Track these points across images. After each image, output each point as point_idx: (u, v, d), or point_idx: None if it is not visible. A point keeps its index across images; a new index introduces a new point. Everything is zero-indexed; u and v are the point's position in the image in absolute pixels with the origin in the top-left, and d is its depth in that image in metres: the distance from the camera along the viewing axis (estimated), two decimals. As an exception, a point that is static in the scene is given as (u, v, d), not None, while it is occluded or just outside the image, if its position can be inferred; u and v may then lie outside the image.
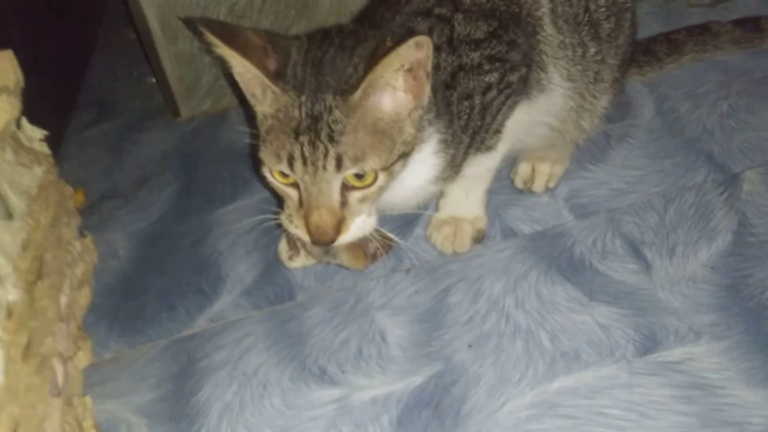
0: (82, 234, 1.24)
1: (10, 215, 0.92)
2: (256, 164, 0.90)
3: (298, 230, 0.90)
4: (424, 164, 0.96)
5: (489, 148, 1.05)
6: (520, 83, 1.01)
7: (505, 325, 1.04)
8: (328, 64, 0.85)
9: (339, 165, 0.84)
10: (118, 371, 1.09)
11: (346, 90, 0.83)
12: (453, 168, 1.01)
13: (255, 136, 0.90)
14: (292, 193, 0.89)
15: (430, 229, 1.19)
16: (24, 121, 1.07)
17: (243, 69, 0.86)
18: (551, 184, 1.23)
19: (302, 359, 1.05)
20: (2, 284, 0.83)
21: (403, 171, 0.92)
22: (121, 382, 1.08)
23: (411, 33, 0.83)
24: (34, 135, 1.08)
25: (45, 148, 1.09)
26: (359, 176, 0.86)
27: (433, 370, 1.00)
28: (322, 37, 0.89)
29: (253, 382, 1.04)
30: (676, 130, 1.30)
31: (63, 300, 1.01)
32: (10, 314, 0.82)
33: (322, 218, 0.87)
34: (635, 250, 1.10)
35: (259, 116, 0.89)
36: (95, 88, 1.75)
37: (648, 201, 1.18)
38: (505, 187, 1.25)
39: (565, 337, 1.01)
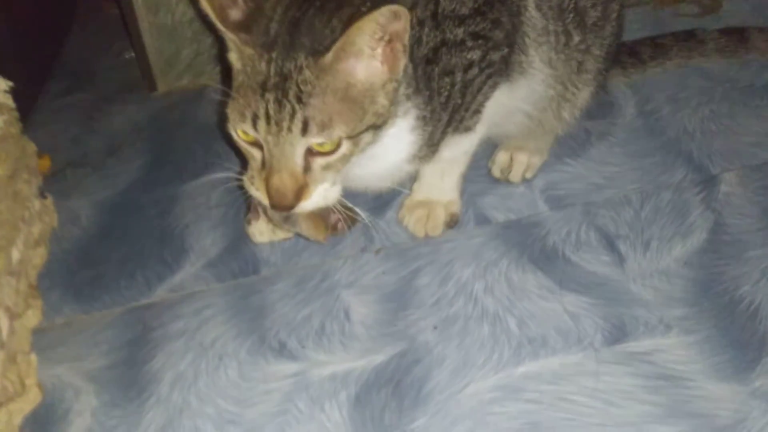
0: (43, 195, 1.20)
1: (-36, 159, 0.88)
2: (222, 121, 0.87)
3: (259, 192, 0.87)
4: (401, 141, 0.94)
5: (467, 129, 1.03)
6: (501, 63, 0.99)
7: (472, 309, 1.01)
8: (305, 25, 0.82)
9: (305, 129, 0.81)
10: (70, 336, 1.05)
11: (318, 51, 0.80)
12: (430, 147, 0.98)
13: (225, 93, 0.87)
14: (255, 154, 0.86)
15: (403, 212, 1.16)
16: (-14, 72, 1.04)
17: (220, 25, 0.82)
18: (528, 175, 1.21)
19: (262, 333, 1.02)
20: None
21: (373, 145, 0.89)
22: (71, 348, 1.03)
23: (390, 2, 0.81)
24: (-1, 86, 1.04)
25: (9, 101, 1.06)
26: (323, 143, 0.83)
27: (396, 349, 0.97)
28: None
29: (210, 353, 1.00)
30: (657, 131, 1.28)
31: (15, 255, 0.96)
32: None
33: (283, 182, 0.83)
34: (609, 243, 1.08)
35: (235, 69, 0.86)
36: (72, 60, 1.71)
37: (625, 196, 1.16)
38: (481, 176, 1.23)
39: (533, 324, 0.98)
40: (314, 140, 0.82)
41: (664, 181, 1.18)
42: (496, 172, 1.22)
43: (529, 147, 1.20)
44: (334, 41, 0.80)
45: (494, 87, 1.00)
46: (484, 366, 0.94)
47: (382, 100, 0.86)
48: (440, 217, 1.13)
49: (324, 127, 0.81)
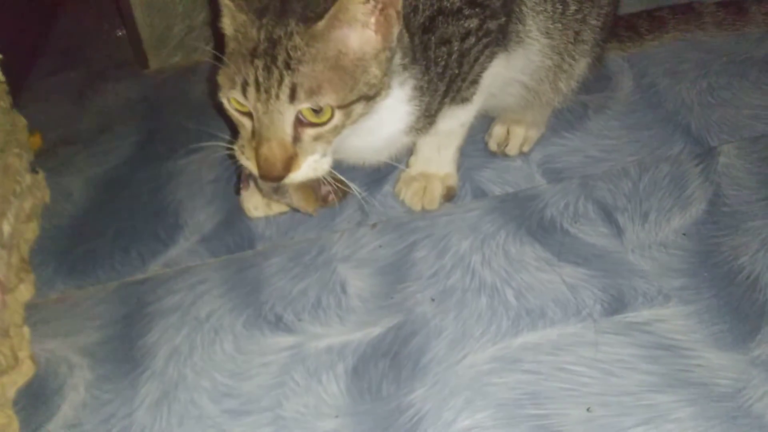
0: (34, 170, 1.18)
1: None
2: (214, 91, 0.86)
3: (249, 162, 0.86)
4: (398, 112, 0.93)
5: (464, 100, 1.01)
6: (498, 32, 0.98)
7: (470, 281, 1.00)
8: None
9: (293, 95, 0.79)
10: (63, 311, 1.04)
11: (310, 18, 0.79)
12: (427, 118, 0.97)
13: (217, 58, 0.86)
14: (246, 122, 0.85)
15: (399, 185, 1.15)
16: (-22, 43, 1.02)
17: None
18: (525, 148, 1.19)
19: (258, 306, 1.01)
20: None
21: (369, 116, 0.87)
22: (65, 322, 1.02)
23: None
24: (-12, 58, 1.02)
25: (-1, 74, 1.04)
26: (315, 112, 0.82)
27: (393, 321, 0.96)
28: None
29: (205, 327, 0.99)
30: (655, 104, 1.27)
31: (6, 228, 0.95)
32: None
33: (272, 151, 0.82)
34: (607, 215, 1.07)
35: (227, 37, 0.85)
36: (63, 38, 1.70)
37: (623, 169, 1.15)
38: (478, 150, 1.22)
39: (531, 295, 0.97)
40: (302, 106, 0.80)
41: (663, 154, 1.17)
42: (493, 145, 1.21)
43: (526, 120, 1.19)
44: (326, 9, 0.78)
45: (492, 57, 0.99)
46: (482, 337, 0.93)
47: (375, 71, 0.84)
48: (437, 190, 1.12)
49: (312, 93, 0.80)
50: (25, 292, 0.98)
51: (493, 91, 1.06)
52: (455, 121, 1.05)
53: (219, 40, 0.87)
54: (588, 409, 0.83)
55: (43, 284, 1.08)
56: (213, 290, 1.04)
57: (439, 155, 1.12)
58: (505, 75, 1.04)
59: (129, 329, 1.00)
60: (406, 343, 0.93)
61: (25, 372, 0.89)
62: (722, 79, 1.30)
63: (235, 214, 1.16)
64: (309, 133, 0.83)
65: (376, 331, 0.95)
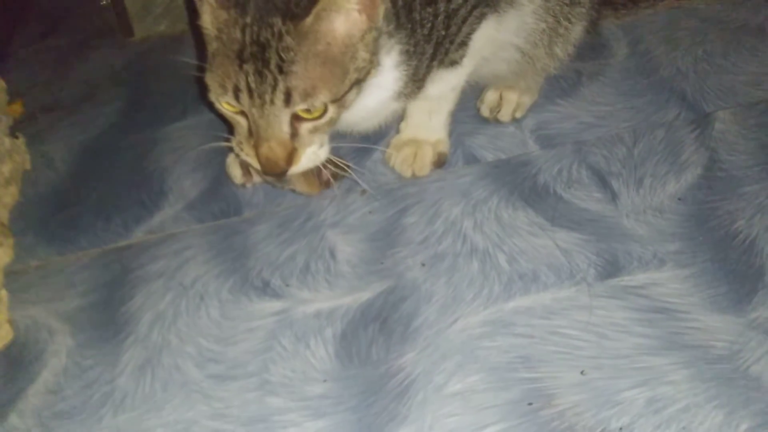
0: (14, 135, 1.15)
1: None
2: (203, 90, 0.83)
3: (249, 158, 0.85)
4: (386, 78, 0.90)
5: (453, 62, 0.99)
6: None
7: (461, 246, 0.98)
8: None
9: (288, 100, 0.78)
10: (45, 278, 1.01)
11: (297, 14, 0.76)
12: (416, 82, 0.95)
13: (201, 58, 0.83)
14: (241, 121, 0.83)
15: (390, 151, 1.12)
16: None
17: None
18: (518, 114, 1.17)
19: (245, 272, 0.98)
20: None
21: (358, 97, 0.85)
22: (46, 289, 1.00)
23: None
24: (-35, 17, 0.98)
25: (-24, 33, 1.00)
26: (308, 110, 0.80)
27: (382, 286, 0.94)
28: None
29: (190, 292, 0.97)
30: (650, 71, 1.25)
31: (-16, 190, 0.92)
32: None
33: (273, 150, 0.81)
34: (601, 180, 1.05)
35: (206, 33, 0.81)
36: (46, 6, 1.65)
37: (617, 135, 1.13)
38: (470, 117, 1.20)
39: (523, 260, 0.95)
40: (298, 108, 0.79)
41: (658, 120, 1.15)
42: (485, 111, 1.18)
43: (519, 86, 1.17)
44: (308, 3, 0.75)
45: (480, 18, 0.96)
46: (474, 302, 0.91)
47: (363, 53, 0.82)
48: (428, 156, 1.09)
49: (307, 95, 0.78)
50: (3, 256, 0.96)
51: (485, 55, 1.03)
52: (445, 85, 1.02)
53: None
54: (582, 372, 0.82)
55: (23, 251, 1.05)
56: (198, 256, 1.01)
57: (429, 120, 1.09)
58: (498, 38, 1.02)
59: (112, 295, 0.97)
60: (396, 308, 0.91)
61: (3, 336, 0.87)
62: (718, 46, 1.28)
63: (221, 181, 1.13)
64: (306, 127, 0.82)
65: (365, 296, 0.93)
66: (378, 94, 0.91)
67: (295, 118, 0.81)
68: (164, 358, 0.89)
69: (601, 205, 1.01)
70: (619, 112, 1.17)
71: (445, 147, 1.11)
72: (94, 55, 1.47)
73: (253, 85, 0.77)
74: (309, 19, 0.75)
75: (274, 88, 0.77)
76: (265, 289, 0.96)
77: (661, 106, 1.17)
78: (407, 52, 0.90)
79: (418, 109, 1.08)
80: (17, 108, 1.28)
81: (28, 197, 1.14)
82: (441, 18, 0.91)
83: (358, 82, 0.83)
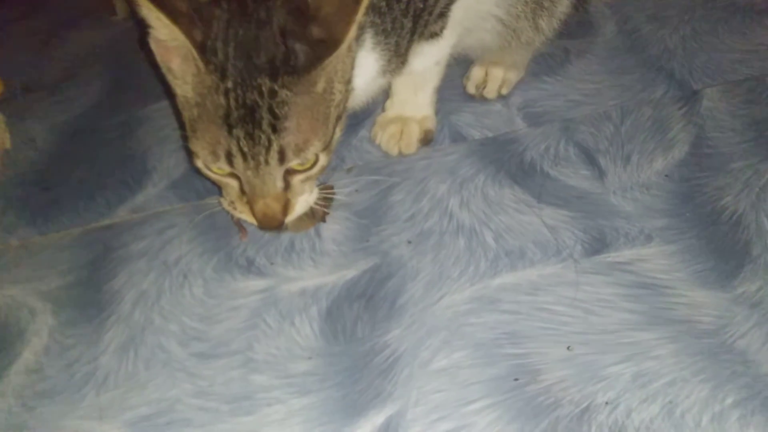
0: (-6, 114, 1.13)
1: None
2: (189, 156, 0.82)
3: (244, 215, 0.84)
4: (366, 61, 0.89)
5: (433, 34, 0.97)
6: None
7: (447, 224, 0.97)
8: (252, 44, 0.74)
9: (282, 158, 0.77)
10: (25, 258, 1.00)
11: (292, 70, 0.74)
12: (399, 57, 0.94)
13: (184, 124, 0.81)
14: (232, 183, 0.82)
15: (376, 129, 1.11)
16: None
17: (167, 36, 0.73)
18: (504, 91, 1.16)
19: (229, 251, 0.97)
20: None
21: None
22: (26, 269, 0.98)
23: None
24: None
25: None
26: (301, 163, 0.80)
27: (368, 264, 0.93)
28: (239, 7, 0.76)
29: (173, 271, 0.95)
30: (638, 48, 1.24)
31: (-39, 168, 0.90)
32: None
33: (269, 206, 0.81)
34: (589, 158, 1.04)
35: (181, 100, 0.79)
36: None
37: (604, 112, 1.12)
38: (456, 95, 1.19)
39: (510, 237, 0.95)
40: (292, 164, 0.78)
41: (645, 97, 1.14)
42: (471, 88, 1.17)
43: (505, 62, 1.16)
44: (303, 55, 0.74)
45: None
46: (460, 278, 0.90)
47: (339, 86, 0.80)
48: (414, 133, 1.08)
49: (299, 150, 0.77)
50: (-20, 234, 0.94)
51: (467, 25, 1.02)
52: (429, 58, 1.01)
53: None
54: (568, 348, 0.81)
55: (3, 231, 1.04)
56: (182, 235, 1.00)
57: (415, 97, 1.08)
58: (477, 8, 1.01)
59: (94, 274, 0.96)
60: (381, 285, 0.90)
61: (-18, 315, 0.85)
62: (706, 24, 1.28)
63: (205, 160, 1.11)
64: (298, 178, 0.82)
65: (350, 273, 0.92)
66: (364, 76, 0.90)
67: (288, 172, 0.80)
68: (147, 336, 0.88)
69: (588, 182, 1.01)
70: (607, 89, 1.17)
71: (431, 124, 1.10)
72: (76, 35, 1.45)
73: (245, 149, 0.76)
74: (317, 69, 0.75)
75: (268, 148, 0.76)
76: (250, 268, 0.95)
77: (648, 83, 1.17)
78: (384, 31, 0.88)
79: (403, 86, 1.07)
80: (-3, 88, 1.26)
81: (8, 177, 1.12)
82: None
83: (339, 118, 0.83)
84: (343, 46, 0.75)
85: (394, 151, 1.09)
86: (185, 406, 0.80)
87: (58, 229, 1.04)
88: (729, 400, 0.76)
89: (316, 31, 0.74)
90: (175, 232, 1.01)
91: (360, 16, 0.73)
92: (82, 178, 1.12)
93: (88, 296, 0.94)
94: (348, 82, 0.83)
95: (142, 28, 0.76)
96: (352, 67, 0.83)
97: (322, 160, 0.82)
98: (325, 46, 0.74)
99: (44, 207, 1.07)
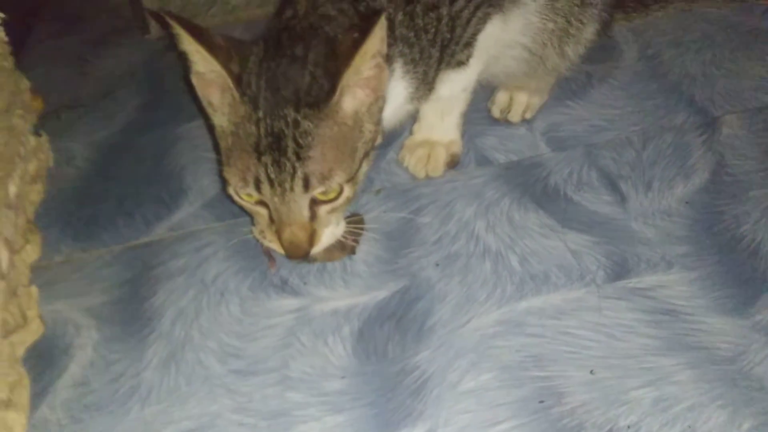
0: (37, 133, 1.18)
1: (-41, 88, 0.86)
2: (223, 183, 0.87)
3: (273, 244, 0.88)
4: (395, 89, 0.93)
5: (460, 63, 1.01)
6: None
7: (474, 247, 1.01)
8: (281, 77, 0.81)
9: (306, 185, 0.81)
10: (69, 273, 1.04)
11: (313, 101, 0.79)
12: (426, 85, 0.98)
13: (220, 152, 0.87)
14: (261, 211, 0.86)
15: (403, 152, 1.15)
16: (-20, 1, 1.01)
17: (206, 68, 0.80)
18: (528, 115, 1.20)
19: (263, 270, 1.01)
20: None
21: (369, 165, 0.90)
22: (71, 284, 1.02)
23: (372, 15, 0.79)
24: (-10, 17, 1.01)
25: (1, 33, 1.03)
26: (325, 192, 0.84)
27: (397, 285, 0.97)
28: (274, 45, 0.84)
29: (211, 289, 1.00)
30: (659, 74, 1.28)
31: (12, 189, 0.95)
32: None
33: (295, 234, 0.84)
34: (611, 183, 1.08)
35: (218, 130, 0.85)
36: (62, 4, 1.68)
37: (626, 138, 1.15)
38: (481, 118, 1.22)
39: (534, 261, 0.98)
40: (316, 192, 0.82)
41: (666, 124, 1.17)
42: (496, 112, 1.21)
43: (530, 87, 1.19)
44: (323, 88, 0.79)
45: (485, 18, 0.98)
46: (487, 301, 0.94)
47: (368, 125, 0.86)
48: (441, 157, 1.12)
49: (324, 178, 0.81)
50: (31, 252, 0.98)
51: (494, 53, 1.06)
52: (455, 85, 1.05)
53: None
54: (591, 372, 0.85)
55: (47, 247, 1.08)
56: (218, 253, 1.04)
57: (442, 122, 1.12)
58: (503, 37, 1.04)
59: (135, 291, 1.00)
60: (411, 307, 0.94)
61: (34, 331, 0.90)
62: (726, 50, 1.31)
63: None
64: (324, 209, 0.85)
65: (381, 294, 0.96)
66: (392, 103, 0.94)
67: (314, 202, 0.84)
68: (187, 353, 0.92)
69: (610, 208, 1.04)
70: (629, 115, 1.20)
71: (457, 148, 1.13)
72: (111, 52, 1.49)
73: (272, 175, 0.80)
74: (335, 97, 0.79)
75: (293, 175, 0.80)
76: (284, 287, 0.99)
77: (669, 109, 1.20)
78: (413, 60, 0.93)
79: (430, 111, 1.11)
80: (37, 104, 1.31)
81: (50, 194, 1.17)
82: (444, 21, 0.94)
83: (367, 155, 0.87)
84: (358, 65, 0.79)
85: (422, 174, 1.12)
86: (225, 421, 0.84)
87: (100, 246, 1.08)
88: (746, 426, 0.79)
89: (333, 66, 0.79)
90: (211, 250, 1.05)
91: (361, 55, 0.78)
92: (120, 196, 1.16)
93: (130, 312, 0.98)
94: (377, 123, 0.87)
95: (177, 51, 0.81)
96: (381, 111, 0.87)
97: (347, 191, 0.86)
98: (335, 76, 0.79)
99: (85, 224, 1.12)
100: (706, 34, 1.34)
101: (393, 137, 1.17)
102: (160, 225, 1.10)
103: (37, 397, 0.88)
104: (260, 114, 0.79)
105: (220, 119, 0.84)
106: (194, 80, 0.84)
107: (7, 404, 0.78)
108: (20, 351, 0.87)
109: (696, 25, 1.37)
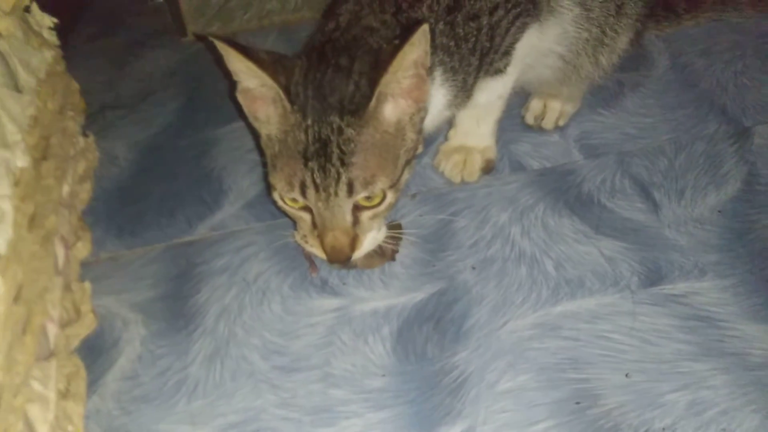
0: (85, 134, 1.21)
1: (19, 90, 0.89)
2: (268, 188, 0.90)
3: (315, 249, 0.91)
4: (434, 97, 0.96)
5: (498, 71, 1.03)
6: (528, 3, 0.99)
7: (510, 251, 1.03)
8: (327, 86, 0.84)
9: (350, 190, 0.84)
10: (115, 270, 1.08)
11: (355, 109, 0.82)
12: (464, 92, 1.00)
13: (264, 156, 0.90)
14: (305, 216, 0.89)
15: (439, 157, 1.18)
16: (34, 6, 1.04)
17: (255, 84, 0.84)
18: (561, 122, 1.22)
19: (304, 270, 1.04)
20: (12, 150, 0.81)
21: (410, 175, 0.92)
22: (117, 280, 1.06)
23: (413, 25, 0.82)
24: (44, 22, 1.05)
25: (54, 38, 1.07)
26: (369, 197, 0.86)
27: (435, 287, 1.00)
28: (318, 57, 0.87)
29: (253, 288, 1.03)
30: (690, 84, 1.29)
31: (65, 188, 0.98)
32: (18, 181, 0.80)
33: (337, 239, 0.87)
34: (644, 191, 1.10)
35: (264, 139, 0.88)
36: (101, 5, 1.71)
37: (659, 146, 1.17)
38: (515, 125, 1.25)
39: (569, 266, 1.00)
40: (359, 197, 0.85)
41: (698, 133, 1.19)
42: (530, 119, 1.23)
43: (563, 94, 1.22)
44: (365, 93, 0.82)
45: (523, 28, 1.01)
46: (523, 305, 0.96)
47: (410, 134, 0.88)
48: (476, 162, 1.15)
49: (367, 183, 0.84)
50: (82, 249, 1.02)
51: (529, 62, 1.08)
52: (492, 93, 1.07)
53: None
54: (626, 375, 0.87)
55: (94, 244, 1.11)
56: (259, 253, 1.07)
57: (478, 128, 1.14)
58: (540, 46, 1.06)
59: (179, 288, 1.04)
60: (448, 309, 0.97)
61: (87, 325, 0.93)
62: (757, 60, 1.32)
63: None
64: (366, 215, 0.88)
65: (419, 296, 0.99)
66: (431, 110, 0.96)
67: (356, 208, 0.87)
68: (231, 349, 0.95)
69: (643, 215, 1.06)
70: (661, 123, 1.22)
71: (492, 154, 1.16)
72: (149, 55, 1.53)
73: (318, 180, 0.83)
74: (372, 104, 0.82)
75: (338, 180, 0.83)
76: (324, 287, 1.01)
77: (701, 119, 1.22)
78: (453, 69, 0.95)
79: (467, 117, 1.14)
80: (82, 105, 1.34)
81: (96, 193, 1.20)
82: (484, 31, 0.96)
83: (408, 163, 0.90)
84: (394, 71, 0.81)
85: (457, 179, 1.15)
86: (270, 415, 0.87)
87: (144, 244, 1.11)
88: (779, 431, 0.81)
89: (375, 74, 0.82)
90: (253, 250, 1.08)
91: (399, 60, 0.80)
92: (163, 195, 1.19)
93: (176, 309, 1.01)
94: (419, 132, 0.90)
95: (214, 56, 0.85)
96: (423, 121, 0.90)
97: (390, 197, 0.88)
98: (373, 83, 0.81)
99: (130, 222, 1.15)
100: (736, 44, 1.36)
101: (428, 143, 1.20)
102: (202, 224, 1.14)
103: (89, 387, 0.91)
104: (309, 121, 0.83)
105: (268, 128, 0.87)
106: (240, 97, 0.87)
107: (65, 395, 0.81)
108: (75, 344, 0.90)
109: (726, 35, 1.38)
